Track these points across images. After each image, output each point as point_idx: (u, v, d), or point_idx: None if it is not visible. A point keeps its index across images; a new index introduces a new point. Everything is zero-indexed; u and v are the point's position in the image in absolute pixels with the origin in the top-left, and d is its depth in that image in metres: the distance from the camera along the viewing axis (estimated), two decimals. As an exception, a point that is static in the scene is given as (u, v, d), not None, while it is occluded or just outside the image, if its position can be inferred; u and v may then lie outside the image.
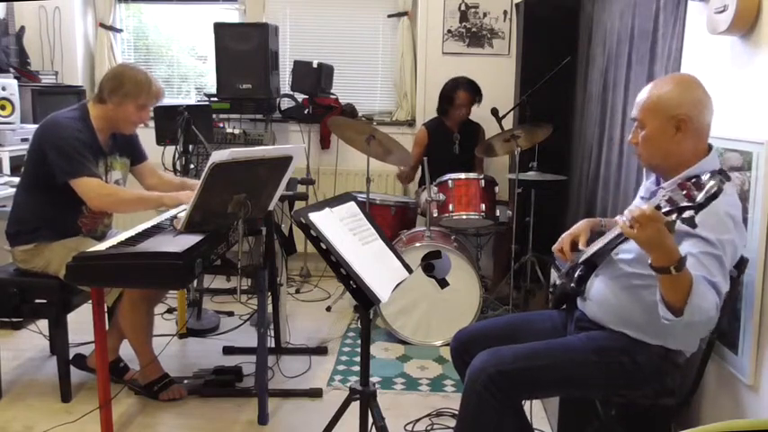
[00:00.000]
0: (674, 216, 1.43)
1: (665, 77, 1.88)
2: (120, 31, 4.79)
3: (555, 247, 2.02)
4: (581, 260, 1.95)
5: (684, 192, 1.41)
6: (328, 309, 3.91)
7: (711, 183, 1.37)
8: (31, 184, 2.71)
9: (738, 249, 1.71)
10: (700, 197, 1.38)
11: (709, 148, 1.80)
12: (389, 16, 4.60)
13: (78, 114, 2.68)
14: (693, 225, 1.43)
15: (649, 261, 1.54)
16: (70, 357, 2.78)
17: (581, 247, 1.95)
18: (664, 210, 1.44)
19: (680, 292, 1.53)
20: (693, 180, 1.40)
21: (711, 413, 2.14)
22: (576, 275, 1.96)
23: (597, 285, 1.93)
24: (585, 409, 2.07)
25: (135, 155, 2.93)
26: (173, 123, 3.17)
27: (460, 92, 4.01)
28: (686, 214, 1.41)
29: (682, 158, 1.77)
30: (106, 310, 2.61)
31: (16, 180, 3.05)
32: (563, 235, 2.02)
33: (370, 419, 1.98)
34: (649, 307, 1.78)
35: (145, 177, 2.97)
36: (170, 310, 3.72)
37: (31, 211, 2.70)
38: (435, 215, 3.59)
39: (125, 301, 2.66)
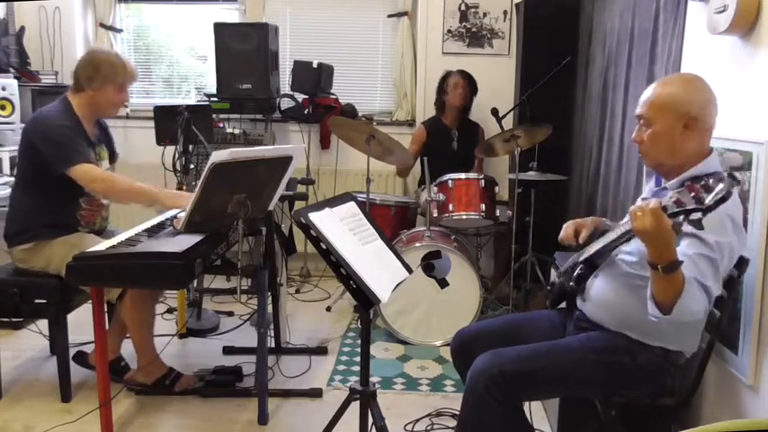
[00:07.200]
0: (681, 218, 1.43)
1: (673, 76, 1.88)
2: (120, 30, 4.79)
3: (560, 236, 2.03)
4: (581, 259, 1.96)
5: (693, 194, 1.40)
6: (328, 309, 3.91)
7: (720, 186, 1.37)
8: (25, 182, 2.71)
9: (736, 252, 1.71)
10: (708, 200, 1.38)
11: (710, 150, 1.81)
12: (389, 16, 4.60)
13: (62, 107, 2.70)
14: (701, 227, 1.43)
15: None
16: (71, 356, 2.77)
17: (581, 240, 1.95)
18: (671, 211, 1.43)
19: (670, 291, 1.54)
20: (702, 183, 1.40)
21: (711, 413, 2.14)
22: (575, 274, 1.96)
23: (597, 285, 1.93)
24: (585, 409, 2.07)
25: (111, 150, 2.96)
26: (173, 123, 3.16)
27: (452, 77, 4.14)
28: (693, 216, 1.41)
29: (686, 158, 1.77)
30: (106, 308, 2.61)
31: (17, 180, 3.05)
32: (568, 222, 2.03)
33: (370, 419, 1.98)
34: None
35: None
36: (170, 310, 3.72)
37: (29, 209, 2.70)
38: (435, 215, 3.59)
39: (128, 297, 2.66)
